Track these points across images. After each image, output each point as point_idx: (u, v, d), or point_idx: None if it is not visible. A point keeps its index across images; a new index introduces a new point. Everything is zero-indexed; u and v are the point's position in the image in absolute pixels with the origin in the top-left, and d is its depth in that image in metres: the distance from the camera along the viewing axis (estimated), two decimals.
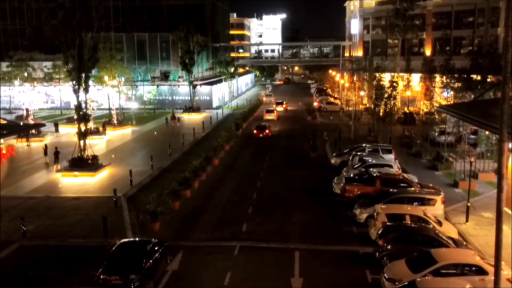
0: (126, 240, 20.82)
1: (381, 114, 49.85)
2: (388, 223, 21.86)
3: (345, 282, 19.18)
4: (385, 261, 19.29)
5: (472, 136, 37.89)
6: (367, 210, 24.84)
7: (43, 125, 38.23)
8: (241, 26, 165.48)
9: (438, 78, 45.65)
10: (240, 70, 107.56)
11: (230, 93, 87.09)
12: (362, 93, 65.06)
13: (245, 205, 28.62)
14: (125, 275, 17.66)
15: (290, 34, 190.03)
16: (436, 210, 24.80)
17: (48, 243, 22.79)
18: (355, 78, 72.69)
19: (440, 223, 22.87)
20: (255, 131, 52.48)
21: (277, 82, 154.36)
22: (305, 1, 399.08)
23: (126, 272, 17.76)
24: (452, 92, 42.14)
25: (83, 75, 34.58)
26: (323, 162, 40.40)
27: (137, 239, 21.84)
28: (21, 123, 43.98)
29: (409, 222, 22.07)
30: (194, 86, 72.34)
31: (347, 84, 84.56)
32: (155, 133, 53.91)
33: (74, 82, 34.69)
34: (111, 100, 55.87)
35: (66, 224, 25.00)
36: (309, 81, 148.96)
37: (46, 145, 40.47)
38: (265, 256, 21.60)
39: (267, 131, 52.31)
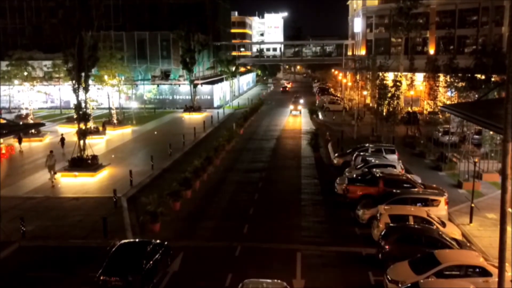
0: (126, 241, 20.69)
1: (384, 113, 49.61)
2: (391, 224, 21.66)
3: (348, 284, 18.99)
4: (388, 263, 19.08)
5: (476, 136, 37.68)
6: (370, 211, 24.64)
7: (43, 124, 38.17)
8: (243, 24, 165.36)
9: (442, 77, 45.48)
10: (242, 69, 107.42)
11: (231, 92, 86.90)
12: (365, 92, 64.79)
13: (247, 206, 28.43)
14: (125, 276, 17.59)
15: (292, 32, 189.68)
16: (439, 211, 24.60)
17: (47, 244, 22.63)
18: (358, 77, 72.42)
19: (443, 224, 22.66)
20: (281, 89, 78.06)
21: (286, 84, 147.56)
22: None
23: (126, 273, 17.67)
24: (456, 92, 41.95)
25: (83, 74, 34.36)
26: (325, 162, 40.19)
27: (137, 240, 21.68)
28: (21, 123, 43.77)
29: (412, 223, 21.91)
30: (195, 85, 72.11)
31: (350, 83, 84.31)
32: (156, 132, 53.75)
33: (73, 81, 34.49)
34: (111, 100, 55.72)
35: (65, 225, 24.84)
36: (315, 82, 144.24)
37: (62, 136, 42.33)
38: (266, 257, 21.41)
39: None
